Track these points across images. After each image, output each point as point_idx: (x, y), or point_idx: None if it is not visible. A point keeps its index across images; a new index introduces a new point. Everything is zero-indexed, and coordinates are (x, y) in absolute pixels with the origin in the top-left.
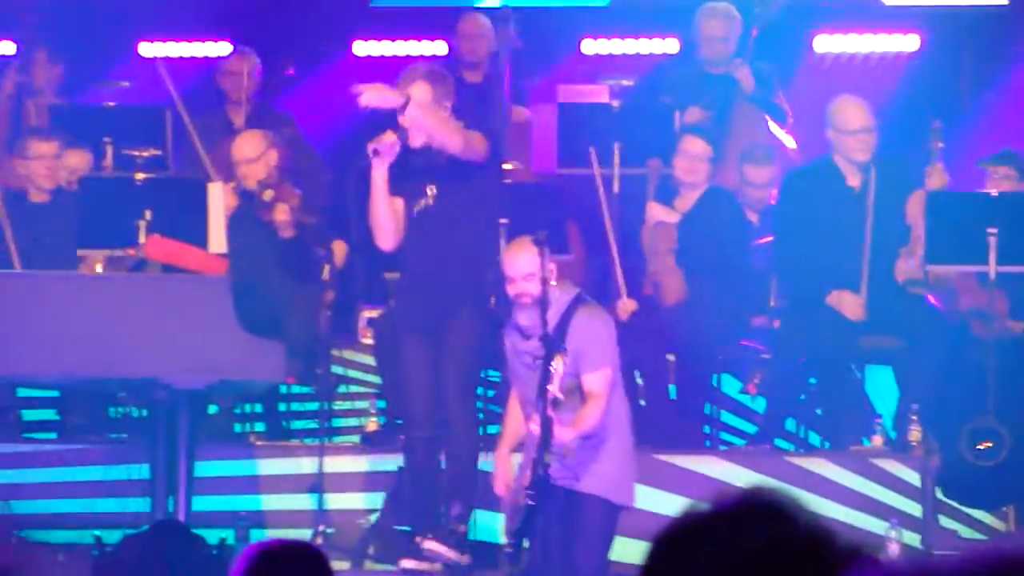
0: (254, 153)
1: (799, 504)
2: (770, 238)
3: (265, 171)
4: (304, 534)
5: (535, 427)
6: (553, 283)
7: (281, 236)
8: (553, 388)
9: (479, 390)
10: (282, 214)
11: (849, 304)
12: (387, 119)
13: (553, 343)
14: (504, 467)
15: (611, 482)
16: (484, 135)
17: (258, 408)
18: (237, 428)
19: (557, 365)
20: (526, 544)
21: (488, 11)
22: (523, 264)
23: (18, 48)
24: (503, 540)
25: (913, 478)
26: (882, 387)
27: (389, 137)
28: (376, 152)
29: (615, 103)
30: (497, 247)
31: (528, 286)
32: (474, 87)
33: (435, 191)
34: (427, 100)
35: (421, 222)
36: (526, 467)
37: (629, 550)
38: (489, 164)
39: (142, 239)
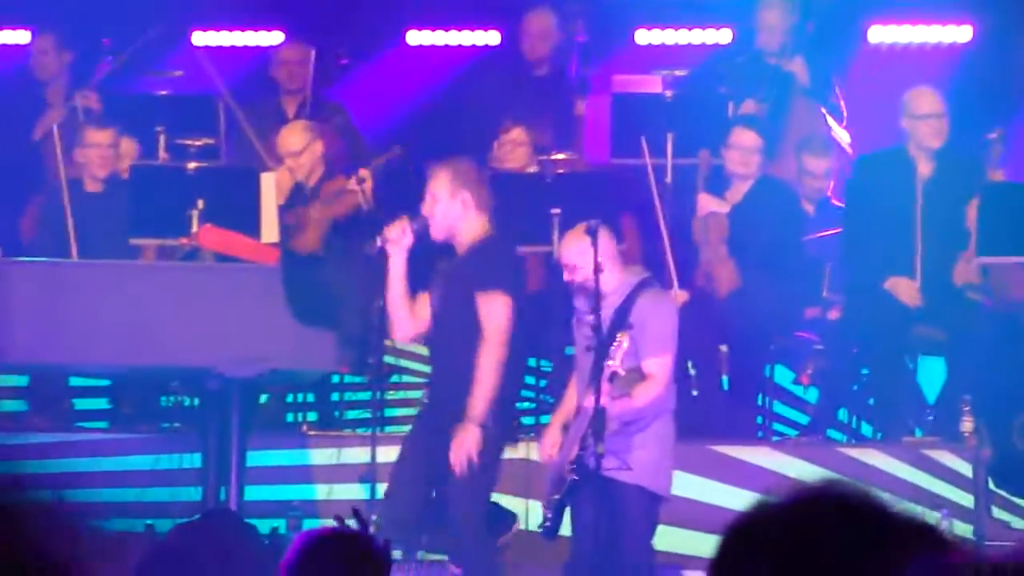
0: (298, 146)
1: (870, 494)
2: (827, 231)
3: (311, 162)
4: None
5: (588, 405)
6: (605, 272)
7: (332, 225)
8: (614, 363)
9: (531, 380)
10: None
11: (905, 289)
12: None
13: (614, 327)
14: (552, 436)
15: (649, 470)
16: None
17: (310, 397)
18: (289, 417)
19: (622, 339)
20: (565, 519)
21: (554, 3)
22: (570, 253)
23: (33, 36)
24: (540, 512)
25: (965, 469)
26: (933, 378)
27: (398, 225)
28: (386, 241)
29: (668, 93)
30: None
31: (576, 275)
32: (539, 80)
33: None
34: (445, 193)
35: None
36: (573, 442)
37: (680, 540)
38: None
39: (194, 228)
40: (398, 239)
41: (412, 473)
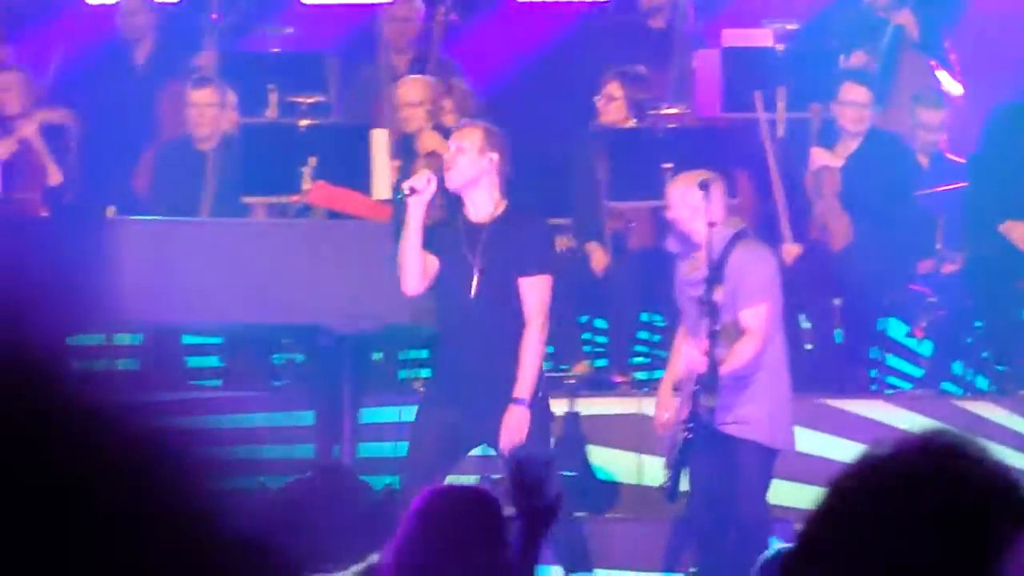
0: (418, 98)
1: (981, 446)
2: (943, 187)
3: (425, 117)
4: (470, 479)
5: (695, 362)
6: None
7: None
8: (715, 317)
9: (645, 335)
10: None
11: (1020, 233)
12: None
13: (713, 280)
14: (665, 403)
15: (766, 425)
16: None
17: (423, 354)
18: (402, 374)
19: (717, 296)
20: (684, 481)
21: None
22: (675, 199)
23: None
24: (662, 476)
25: None
26: None
27: (423, 173)
28: (412, 190)
29: (779, 47)
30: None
31: (685, 226)
32: (656, 32)
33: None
34: (474, 147)
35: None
36: (685, 401)
37: (793, 493)
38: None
39: (306, 186)
40: (423, 189)
41: (436, 447)
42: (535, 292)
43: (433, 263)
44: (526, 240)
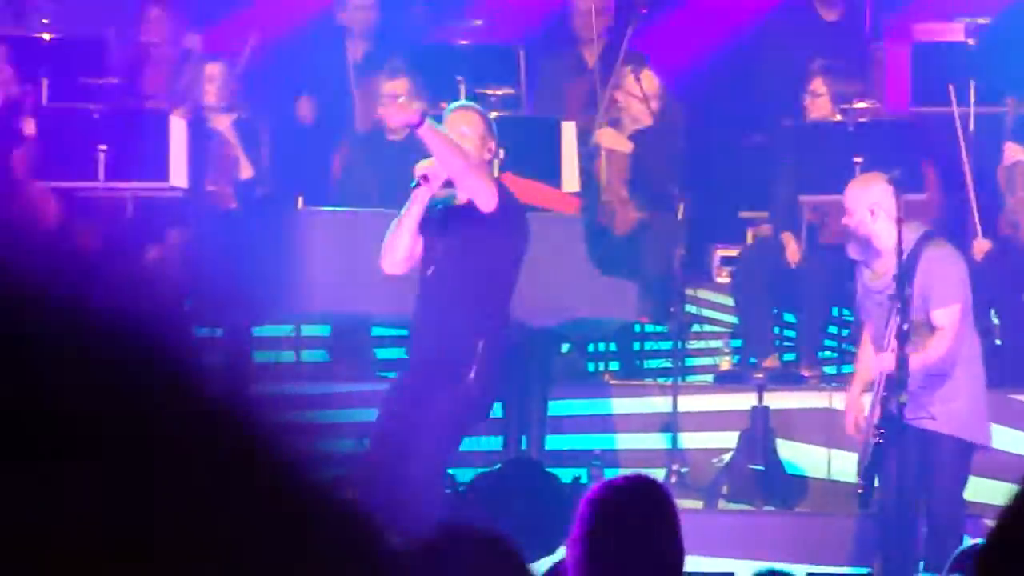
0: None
1: None
2: None
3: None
4: (658, 473)
5: (885, 363)
6: (890, 224)
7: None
8: (905, 317)
9: (834, 329)
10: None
11: None
12: None
13: (903, 280)
14: (854, 407)
15: (963, 420)
16: (496, 186)
17: (612, 347)
18: (590, 367)
19: (910, 293)
20: (876, 483)
21: None
22: (855, 202)
23: None
24: (855, 479)
25: None
26: None
27: (423, 165)
28: (425, 178)
29: (970, 41)
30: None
31: (860, 226)
32: (831, 25)
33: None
34: (476, 132)
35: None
36: (875, 404)
37: (986, 490)
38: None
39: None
40: (436, 175)
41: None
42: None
43: (419, 246)
44: (522, 229)
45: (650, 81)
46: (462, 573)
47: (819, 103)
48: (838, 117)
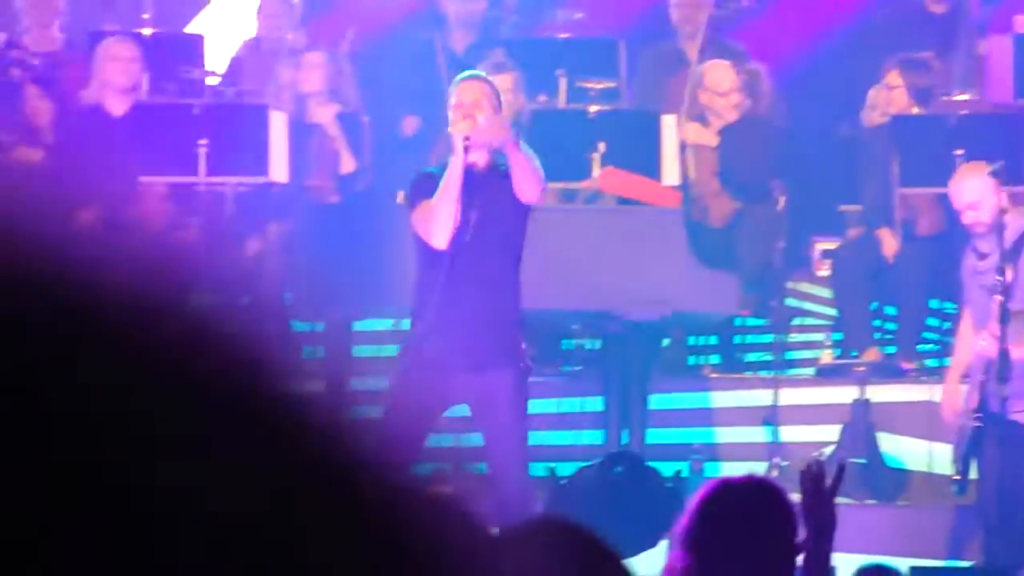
0: (726, 86)
1: None
2: None
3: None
4: (759, 466)
5: (985, 346)
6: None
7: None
8: (1010, 303)
9: (934, 322)
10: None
11: None
12: None
13: (1006, 265)
14: (951, 395)
15: None
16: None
17: (712, 340)
18: (691, 360)
19: (1008, 281)
20: (973, 473)
21: None
22: (967, 193)
23: None
24: (952, 469)
25: None
26: None
27: (475, 123)
28: (469, 140)
29: None
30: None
31: (975, 215)
32: (938, 18)
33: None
34: (491, 104)
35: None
36: (973, 390)
37: None
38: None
39: (596, 171)
40: (477, 139)
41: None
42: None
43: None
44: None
45: (729, 76)
46: (555, 565)
47: (895, 95)
48: (915, 110)
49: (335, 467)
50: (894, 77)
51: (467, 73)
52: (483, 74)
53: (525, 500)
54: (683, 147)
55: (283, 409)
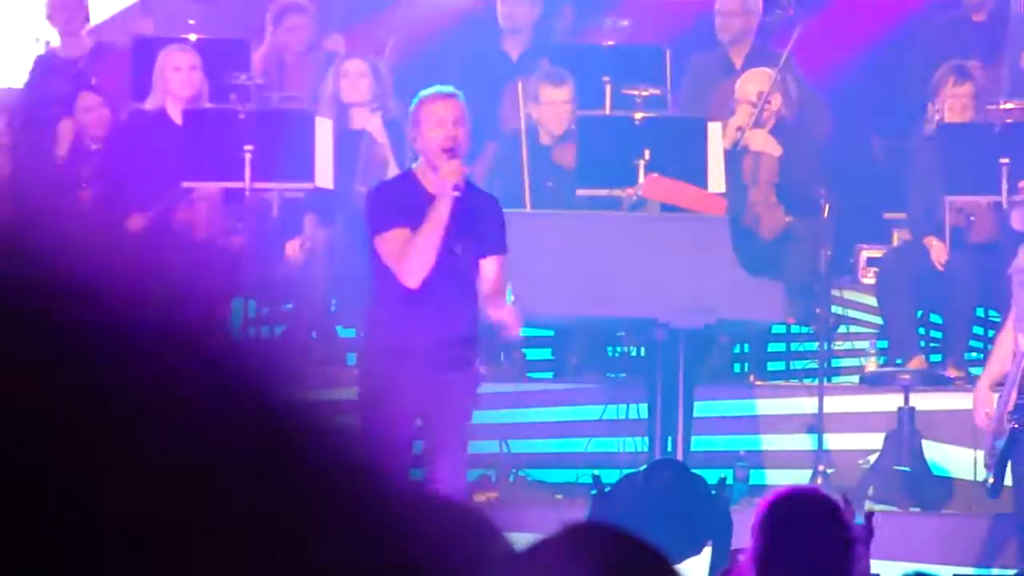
0: (754, 94)
1: None
2: None
3: (766, 113)
4: (804, 474)
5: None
6: None
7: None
8: None
9: (981, 330)
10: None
11: None
12: None
13: None
14: (983, 399)
15: None
16: None
17: (758, 348)
18: (736, 368)
19: None
20: (1008, 479)
21: None
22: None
23: None
24: (985, 474)
25: None
26: None
27: (459, 169)
28: (457, 188)
29: None
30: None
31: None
32: (979, 26)
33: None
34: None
35: None
36: (1010, 389)
37: None
38: None
39: (640, 179)
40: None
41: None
42: (503, 270)
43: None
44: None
45: (765, 84)
46: (602, 573)
47: (956, 105)
48: (970, 117)
49: (347, 475)
50: (951, 86)
51: (445, 89)
52: (455, 90)
53: (455, 488)
54: (733, 154)
55: (301, 418)
